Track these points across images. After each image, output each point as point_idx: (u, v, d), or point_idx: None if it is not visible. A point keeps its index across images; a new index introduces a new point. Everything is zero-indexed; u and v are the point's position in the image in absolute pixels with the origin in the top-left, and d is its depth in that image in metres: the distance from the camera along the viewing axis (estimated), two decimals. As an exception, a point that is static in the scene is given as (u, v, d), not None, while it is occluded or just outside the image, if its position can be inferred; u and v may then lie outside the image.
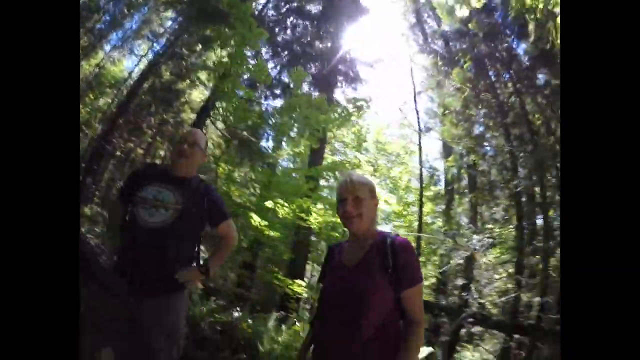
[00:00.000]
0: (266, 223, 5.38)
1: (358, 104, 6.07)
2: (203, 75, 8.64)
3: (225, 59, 8.62)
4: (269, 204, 5.62)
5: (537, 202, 7.84)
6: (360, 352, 1.27)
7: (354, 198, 1.42)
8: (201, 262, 1.93)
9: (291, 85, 9.53)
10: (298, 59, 9.44)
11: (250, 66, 5.88)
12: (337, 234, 8.68)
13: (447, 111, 9.13)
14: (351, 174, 1.50)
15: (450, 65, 8.98)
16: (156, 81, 7.68)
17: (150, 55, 8.71)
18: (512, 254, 7.41)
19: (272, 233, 5.61)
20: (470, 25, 7.49)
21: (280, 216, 5.84)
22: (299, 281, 6.25)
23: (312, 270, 10.03)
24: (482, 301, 7.01)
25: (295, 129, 6.57)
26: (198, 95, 8.83)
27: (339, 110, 6.19)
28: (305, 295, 6.82)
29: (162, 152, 9.30)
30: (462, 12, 7.38)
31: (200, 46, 7.64)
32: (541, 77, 7.66)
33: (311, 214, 6.80)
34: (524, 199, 7.78)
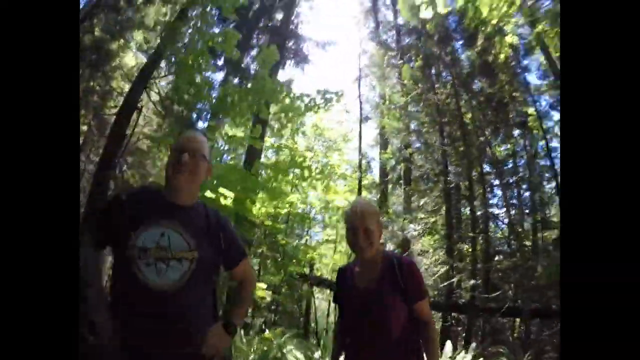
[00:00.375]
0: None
1: (327, 96, 5.88)
2: (141, 36, 7.53)
3: (167, 17, 7.50)
4: (224, 199, 4.99)
5: (463, 194, 8.88)
6: (385, 356, 1.52)
7: (365, 229, 1.52)
8: (220, 318, 1.47)
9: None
10: (245, 28, 8.77)
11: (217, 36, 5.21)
12: (280, 226, 8.38)
13: (392, 106, 9.57)
14: (360, 203, 1.62)
15: (400, 59, 9.36)
16: (85, 39, 6.37)
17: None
18: (442, 242, 8.32)
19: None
20: (427, 26, 7.88)
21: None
22: (260, 284, 5.62)
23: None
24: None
25: (251, 114, 6.10)
26: (131, 59, 7.60)
27: (307, 100, 5.94)
28: (268, 299, 6.55)
29: (84, 128, 7.77)
30: (426, 13, 7.76)
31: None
32: (477, 83, 8.56)
33: (255, 205, 6.20)
34: (452, 192, 8.76)
